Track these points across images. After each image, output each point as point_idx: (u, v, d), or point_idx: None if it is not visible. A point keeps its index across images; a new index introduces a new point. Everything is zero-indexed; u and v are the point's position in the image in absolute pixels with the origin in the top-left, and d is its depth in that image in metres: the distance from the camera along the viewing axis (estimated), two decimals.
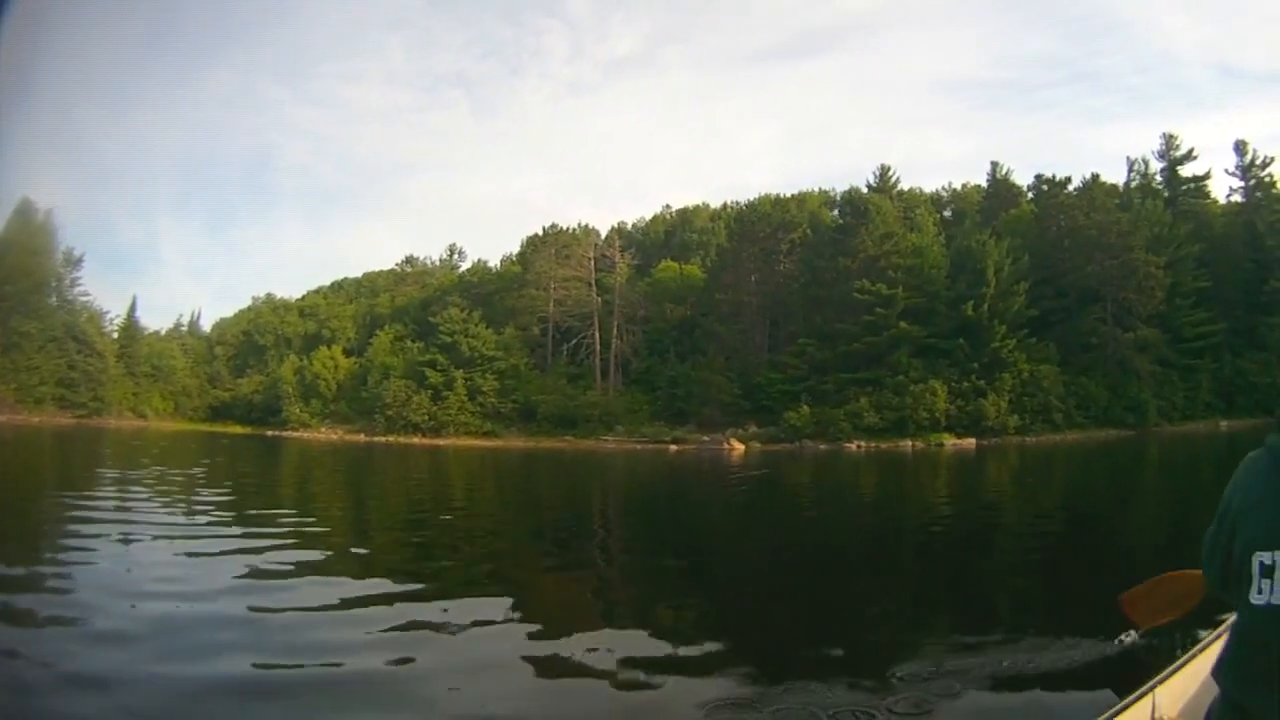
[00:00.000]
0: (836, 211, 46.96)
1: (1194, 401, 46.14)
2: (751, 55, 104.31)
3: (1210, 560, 1.77)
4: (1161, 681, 2.83)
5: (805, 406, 40.22)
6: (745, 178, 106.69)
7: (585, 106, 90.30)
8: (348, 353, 57.48)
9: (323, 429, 55.71)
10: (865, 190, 48.99)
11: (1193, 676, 2.86)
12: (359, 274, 65.66)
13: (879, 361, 40.49)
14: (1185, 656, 3.00)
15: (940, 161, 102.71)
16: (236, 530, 13.01)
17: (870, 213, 42.68)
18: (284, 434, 56.63)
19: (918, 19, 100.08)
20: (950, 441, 39.60)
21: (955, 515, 16.96)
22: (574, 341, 48.33)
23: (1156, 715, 2.69)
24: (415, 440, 49.23)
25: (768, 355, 43.32)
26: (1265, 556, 1.55)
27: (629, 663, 6.23)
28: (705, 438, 41.03)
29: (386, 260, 69.93)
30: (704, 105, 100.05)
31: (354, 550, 12.14)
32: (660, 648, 6.77)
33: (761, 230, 44.30)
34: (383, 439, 50.52)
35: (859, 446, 39.60)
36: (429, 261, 61.77)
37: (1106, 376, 43.96)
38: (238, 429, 60.34)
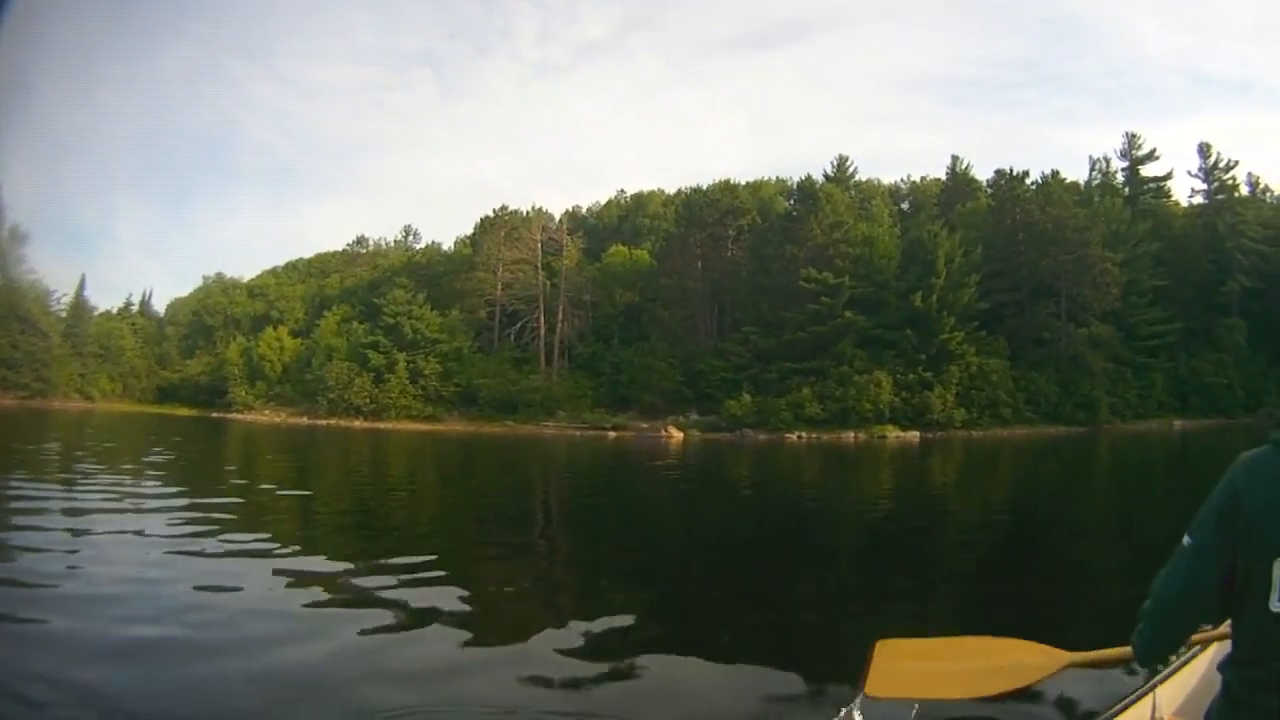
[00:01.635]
0: (793, 201, 45.95)
1: (1147, 400, 45.50)
2: (720, 44, 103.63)
3: (1193, 579, 1.65)
4: (1162, 681, 2.77)
5: (746, 395, 39.20)
6: (709, 166, 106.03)
7: (552, 90, 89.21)
8: (296, 334, 56.08)
9: (266, 411, 54.34)
10: (822, 180, 48.11)
11: (1193, 676, 2.81)
12: (314, 254, 64.18)
13: (824, 351, 39.50)
14: (1185, 656, 2.88)
15: (906, 157, 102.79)
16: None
17: (821, 201, 41.71)
18: (229, 416, 55.31)
19: (888, 14, 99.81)
20: (893, 434, 38.66)
21: (886, 508, 16.55)
22: (518, 325, 47.15)
23: (1157, 715, 2.63)
24: (356, 423, 47.97)
25: (713, 342, 42.25)
26: None
27: (570, 653, 5.96)
28: (644, 425, 39.94)
29: (346, 241, 68.31)
30: (671, 93, 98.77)
31: (280, 541, 10.74)
32: (597, 638, 6.32)
33: (710, 216, 43.25)
34: (324, 422, 49.29)
35: (800, 437, 38.60)
36: (383, 242, 60.49)
37: (1058, 372, 43.20)
38: (185, 411, 58.82)
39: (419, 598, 7.19)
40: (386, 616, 6.65)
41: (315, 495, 17.16)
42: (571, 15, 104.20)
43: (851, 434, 38.74)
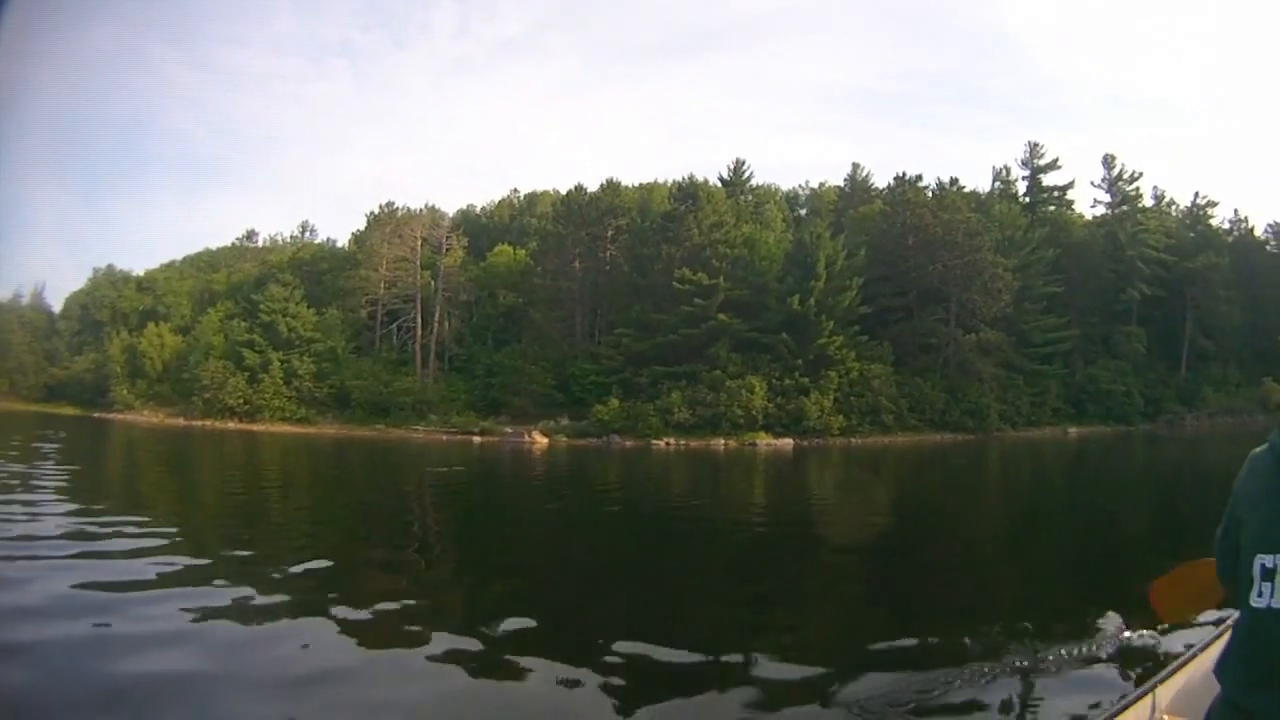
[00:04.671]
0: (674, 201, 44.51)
1: (1041, 407, 44.75)
2: (638, 49, 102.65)
3: (1222, 558, 1.80)
4: (1162, 680, 2.86)
5: (615, 400, 37.65)
6: (618, 170, 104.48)
7: (468, 87, 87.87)
8: (181, 331, 53.61)
9: (145, 411, 51.85)
10: (719, 184, 46.84)
11: (1193, 675, 2.85)
12: (202, 249, 61.60)
13: (697, 355, 38.10)
14: (1185, 655, 2.99)
15: (829, 168, 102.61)
16: None
17: (702, 201, 40.33)
18: (110, 416, 52.80)
19: (809, 27, 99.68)
20: (765, 441, 37.35)
21: (759, 519, 16.43)
22: (394, 324, 45.24)
23: (1157, 713, 2.68)
24: (231, 425, 45.83)
25: (588, 345, 40.66)
26: (1266, 559, 1.56)
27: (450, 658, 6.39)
28: (509, 430, 38.25)
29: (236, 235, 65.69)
30: (586, 96, 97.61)
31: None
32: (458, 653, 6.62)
33: (590, 214, 41.65)
34: (200, 423, 47.11)
35: (668, 444, 37.15)
36: (279, 238, 58.18)
37: (946, 379, 42.23)
38: (71, 410, 56.21)
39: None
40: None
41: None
42: (491, 11, 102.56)
43: (722, 441, 37.36)
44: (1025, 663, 6.07)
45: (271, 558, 10.87)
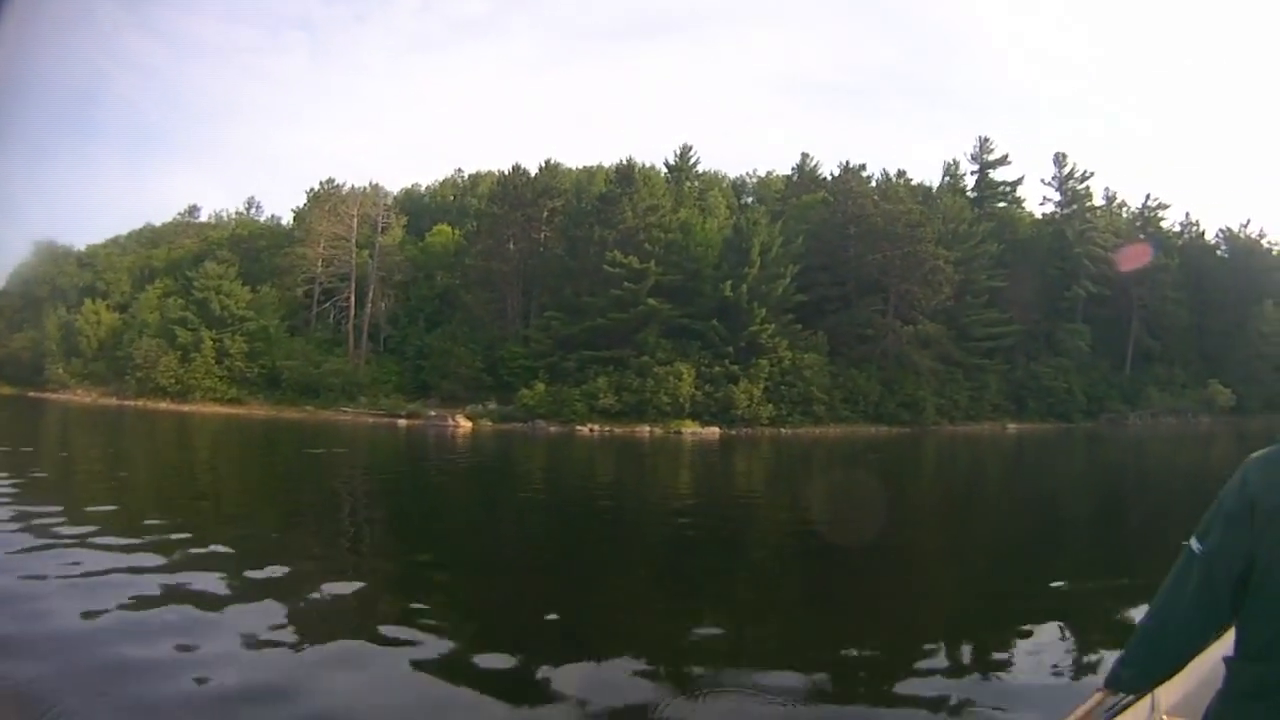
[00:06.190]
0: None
1: (980, 402, 44.56)
2: (598, 30, 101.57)
3: (1207, 581, 1.66)
4: None
5: (541, 384, 37.11)
6: (567, 153, 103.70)
7: (426, 64, 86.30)
8: (120, 308, 52.58)
9: (80, 390, 50.84)
10: (664, 169, 46.35)
11: (1193, 675, 2.67)
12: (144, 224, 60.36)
13: (626, 340, 37.60)
14: None
15: (770, 157, 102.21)
16: None
17: (638, 183, 39.82)
18: (46, 395, 51.75)
19: (768, 15, 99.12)
20: (691, 429, 36.92)
21: (685, 511, 16.13)
22: (327, 304, 44.49)
23: (1157, 713, 2.70)
24: (164, 405, 44.99)
25: (518, 328, 40.09)
26: None
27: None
28: (432, 413, 37.64)
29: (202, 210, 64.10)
30: (540, 76, 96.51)
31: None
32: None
33: (526, 195, 41.03)
34: (133, 402, 46.24)
35: (592, 430, 36.64)
36: (224, 214, 57.15)
37: (882, 370, 41.94)
38: (6, 389, 55.09)
39: None
40: None
41: None
42: None
43: (647, 428, 36.90)
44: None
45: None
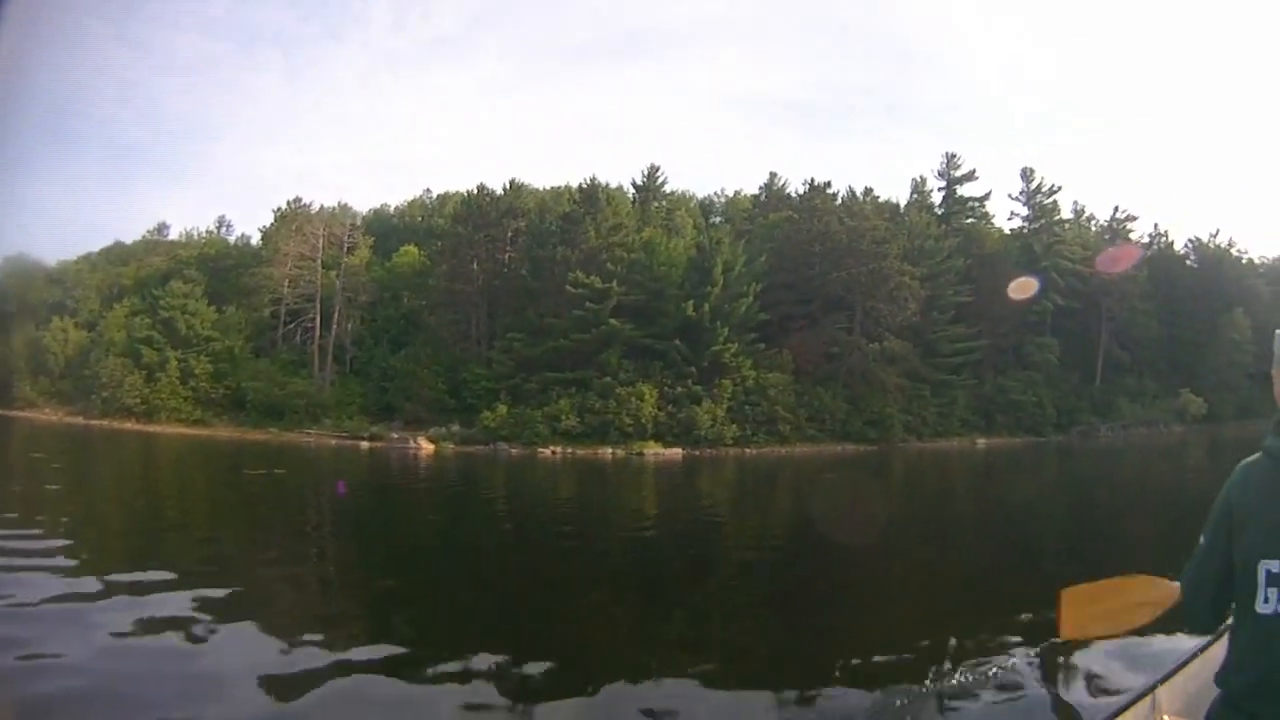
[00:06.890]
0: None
1: (948, 418, 44.61)
2: (568, 50, 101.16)
3: (1201, 576, 1.77)
4: (1162, 681, 2.85)
5: (503, 406, 37.03)
6: (534, 173, 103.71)
7: (398, 83, 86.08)
8: (88, 326, 52.26)
9: (47, 409, 50.53)
10: (631, 189, 46.30)
11: (1193, 676, 2.84)
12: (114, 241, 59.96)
13: (588, 361, 37.54)
14: (1185, 656, 2.97)
15: (739, 176, 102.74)
16: None
17: (601, 203, 39.77)
18: (12, 413, 51.38)
19: (737, 35, 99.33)
20: (653, 451, 36.86)
21: (648, 532, 16.46)
22: (293, 324, 44.32)
23: (1157, 714, 2.68)
24: (129, 425, 44.77)
25: (481, 350, 39.99)
26: (1272, 565, 1.55)
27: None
28: (395, 435, 37.54)
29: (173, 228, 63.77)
30: (510, 96, 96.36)
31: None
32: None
33: (490, 215, 40.95)
34: (99, 422, 45.97)
35: (554, 452, 36.56)
36: (195, 232, 56.89)
37: (848, 388, 41.97)
38: None
39: None
40: None
41: None
42: (427, 7, 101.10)
43: (610, 450, 36.84)
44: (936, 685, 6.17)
45: None
